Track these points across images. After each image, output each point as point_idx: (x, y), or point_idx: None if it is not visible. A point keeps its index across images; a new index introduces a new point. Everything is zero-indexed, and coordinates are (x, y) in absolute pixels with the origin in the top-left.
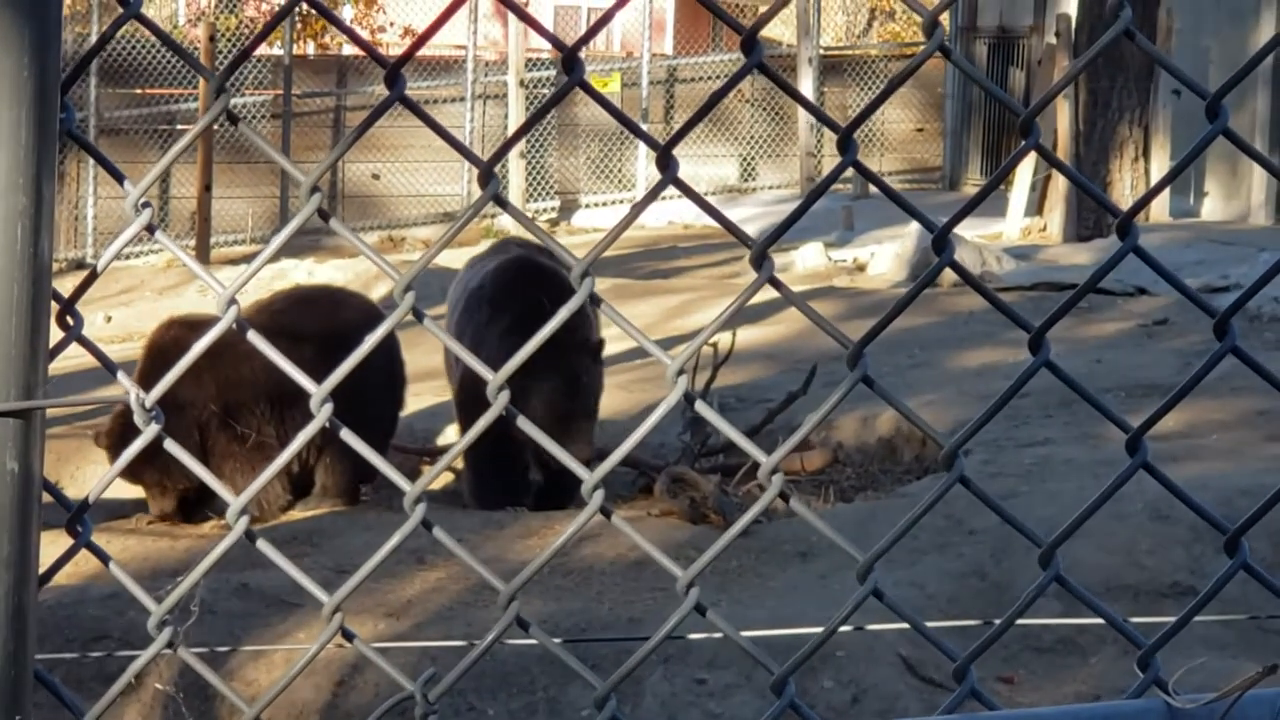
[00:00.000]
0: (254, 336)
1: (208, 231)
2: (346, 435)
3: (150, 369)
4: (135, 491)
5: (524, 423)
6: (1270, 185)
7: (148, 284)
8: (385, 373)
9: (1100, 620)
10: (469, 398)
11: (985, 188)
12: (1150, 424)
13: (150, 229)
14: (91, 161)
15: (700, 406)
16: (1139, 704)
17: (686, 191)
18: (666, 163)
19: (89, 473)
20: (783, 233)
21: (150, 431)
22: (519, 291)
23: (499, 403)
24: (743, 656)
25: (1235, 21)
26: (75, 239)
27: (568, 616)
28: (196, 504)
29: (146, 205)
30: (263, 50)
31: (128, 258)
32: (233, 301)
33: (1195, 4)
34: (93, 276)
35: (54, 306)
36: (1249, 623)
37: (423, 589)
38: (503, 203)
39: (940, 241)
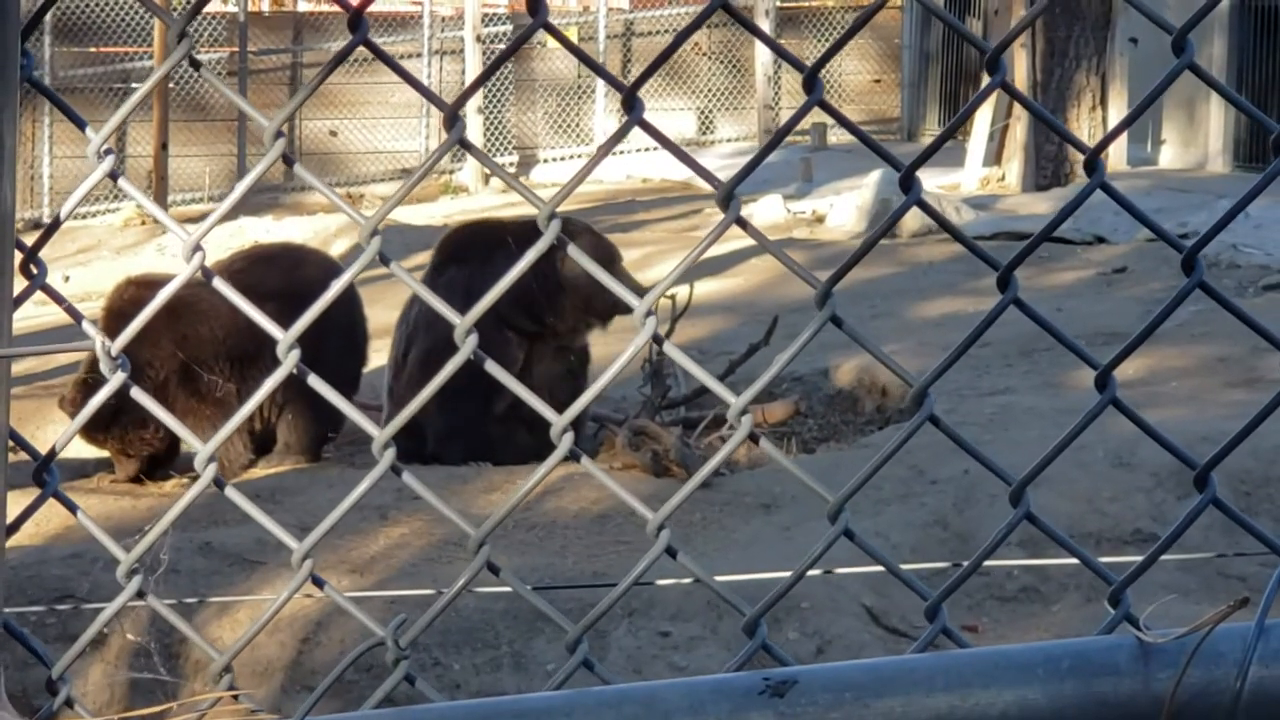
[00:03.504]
0: (219, 283)
1: (165, 190)
2: (314, 381)
3: (110, 329)
4: (98, 451)
5: (493, 367)
6: (1228, 132)
7: (105, 243)
8: (346, 328)
9: (1063, 566)
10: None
11: (950, 126)
12: (1119, 361)
13: (114, 175)
14: (47, 120)
15: (669, 348)
16: (1111, 640)
17: (652, 133)
18: (632, 104)
19: (50, 432)
20: (749, 173)
21: (117, 380)
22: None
23: (467, 346)
24: (707, 609)
25: None
26: (32, 198)
27: (532, 571)
28: (159, 463)
29: (109, 152)
30: (217, 7)
31: (85, 217)
32: (197, 248)
33: None
34: (56, 224)
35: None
36: (1210, 568)
37: (386, 545)
38: (468, 146)
39: (907, 180)
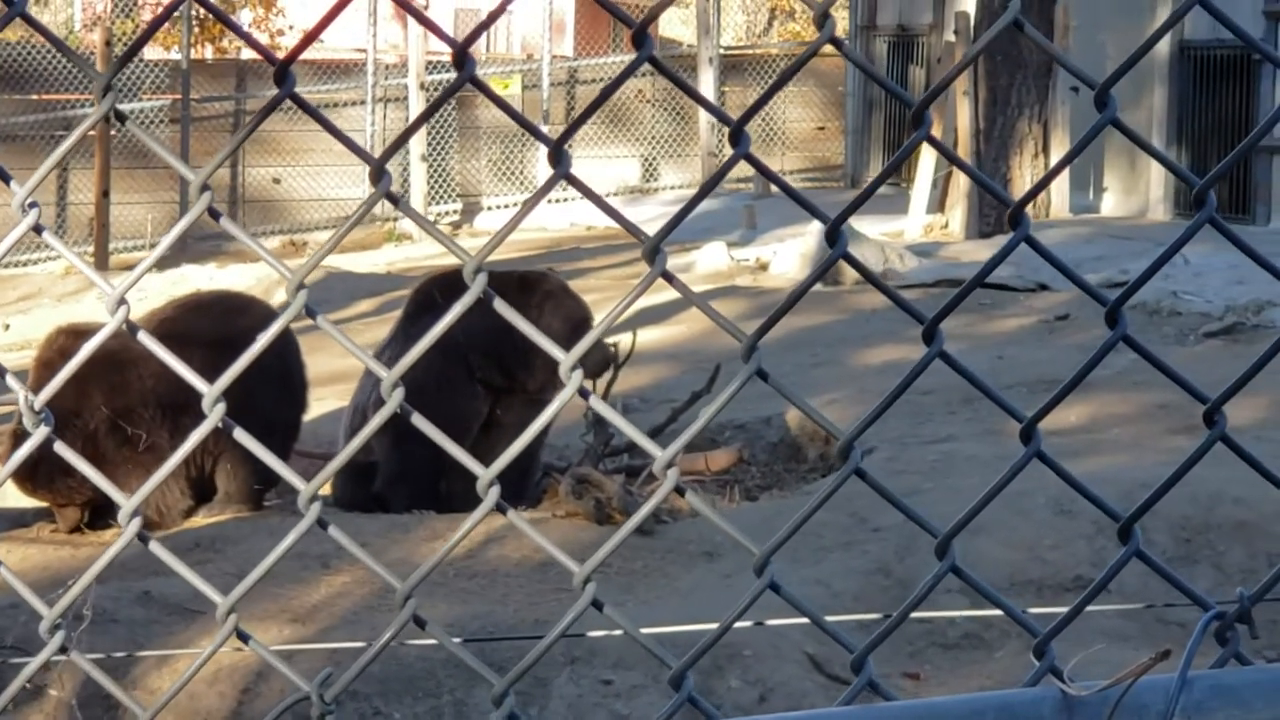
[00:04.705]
0: (144, 337)
1: (106, 238)
2: (240, 435)
3: (40, 380)
4: (36, 501)
5: (419, 420)
6: (1168, 180)
7: (46, 291)
8: (281, 376)
9: (1003, 614)
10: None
11: (878, 177)
12: (1043, 413)
13: (38, 229)
14: None
15: (595, 402)
16: (1034, 692)
17: (579, 187)
18: (559, 158)
19: None
20: (676, 225)
21: (40, 434)
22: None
23: (393, 400)
24: (649, 657)
25: (1131, 17)
26: None
27: (473, 619)
28: (101, 512)
29: (34, 205)
30: (160, 55)
31: (25, 265)
32: (122, 302)
33: (1092, 2)
34: None
35: None
36: (1149, 614)
37: (327, 594)
38: (395, 199)
39: (833, 234)
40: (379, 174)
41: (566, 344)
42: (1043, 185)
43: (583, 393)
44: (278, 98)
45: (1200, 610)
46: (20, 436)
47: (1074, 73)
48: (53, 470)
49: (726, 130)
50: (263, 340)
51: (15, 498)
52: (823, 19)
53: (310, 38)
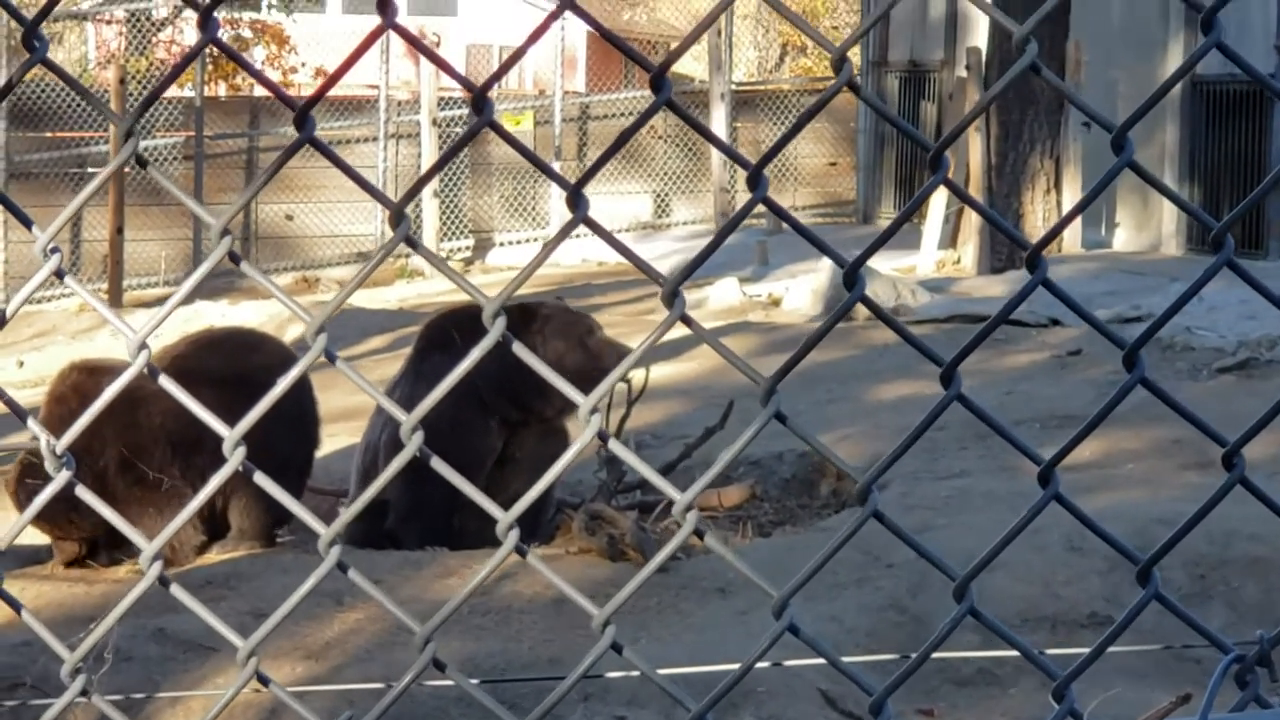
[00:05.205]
0: (165, 381)
1: (120, 274)
2: (260, 479)
3: (52, 416)
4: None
5: (438, 463)
6: (1180, 216)
7: (60, 328)
8: (294, 413)
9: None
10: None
11: (896, 221)
12: (1061, 456)
13: (59, 274)
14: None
15: (614, 445)
16: None
17: (597, 230)
18: (577, 202)
19: (0, 517)
20: (694, 269)
21: (61, 478)
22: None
23: (413, 444)
24: (663, 694)
25: (1143, 54)
26: None
27: (487, 656)
28: (109, 548)
29: (55, 250)
30: (174, 92)
31: (39, 302)
32: (144, 346)
33: (1103, 37)
34: (1, 322)
35: None
36: (1165, 653)
37: (341, 631)
38: (414, 244)
39: (850, 276)
40: (398, 218)
41: (576, 360)
42: (1060, 228)
43: (601, 435)
44: (298, 142)
45: (1219, 652)
46: (28, 469)
47: (1090, 115)
48: (56, 503)
49: (736, 168)
50: (283, 384)
51: (27, 533)
52: (840, 62)
53: (331, 81)
